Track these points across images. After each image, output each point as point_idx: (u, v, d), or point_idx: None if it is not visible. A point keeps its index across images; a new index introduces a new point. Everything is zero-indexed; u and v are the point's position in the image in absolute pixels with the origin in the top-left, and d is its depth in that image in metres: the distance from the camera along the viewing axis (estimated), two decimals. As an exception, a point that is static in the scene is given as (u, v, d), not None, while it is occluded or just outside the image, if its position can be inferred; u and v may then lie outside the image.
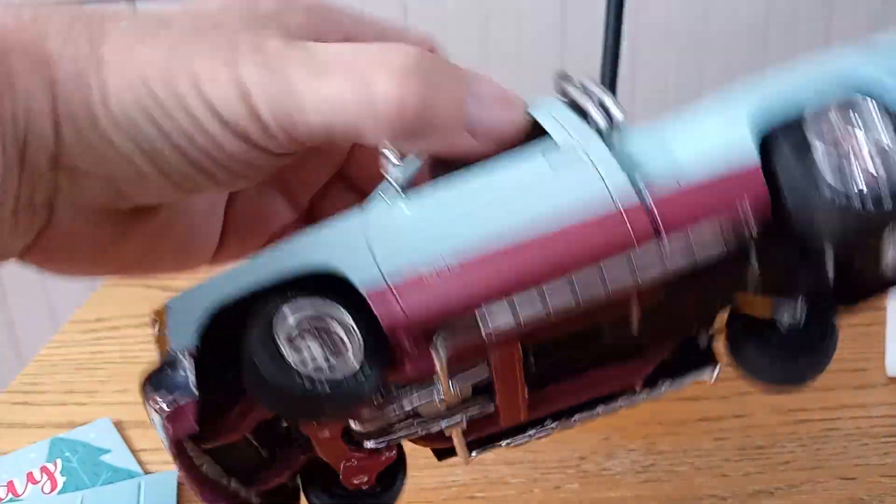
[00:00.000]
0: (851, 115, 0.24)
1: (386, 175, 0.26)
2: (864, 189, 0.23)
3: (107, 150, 0.26)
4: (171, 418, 0.24)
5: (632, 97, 1.45)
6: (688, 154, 0.25)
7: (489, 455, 0.42)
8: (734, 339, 0.31)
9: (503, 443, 0.30)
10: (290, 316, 0.24)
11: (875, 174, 0.24)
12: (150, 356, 0.55)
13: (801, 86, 0.26)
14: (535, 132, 0.27)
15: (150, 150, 0.26)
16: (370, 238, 0.25)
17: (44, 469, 0.42)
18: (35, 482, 0.42)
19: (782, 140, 0.25)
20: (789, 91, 0.26)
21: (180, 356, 0.25)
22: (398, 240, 0.25)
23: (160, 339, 0.26)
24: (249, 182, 0.33)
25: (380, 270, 0.24)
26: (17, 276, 1.41)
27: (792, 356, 0.30)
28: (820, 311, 0.29)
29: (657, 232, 0.25)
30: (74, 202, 0.27)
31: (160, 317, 0.26)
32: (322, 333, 0.24)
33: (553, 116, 0.27)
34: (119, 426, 0.46)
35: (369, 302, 0.24)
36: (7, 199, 0.25)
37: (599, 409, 0.30)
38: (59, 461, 0.43)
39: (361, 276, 0.24)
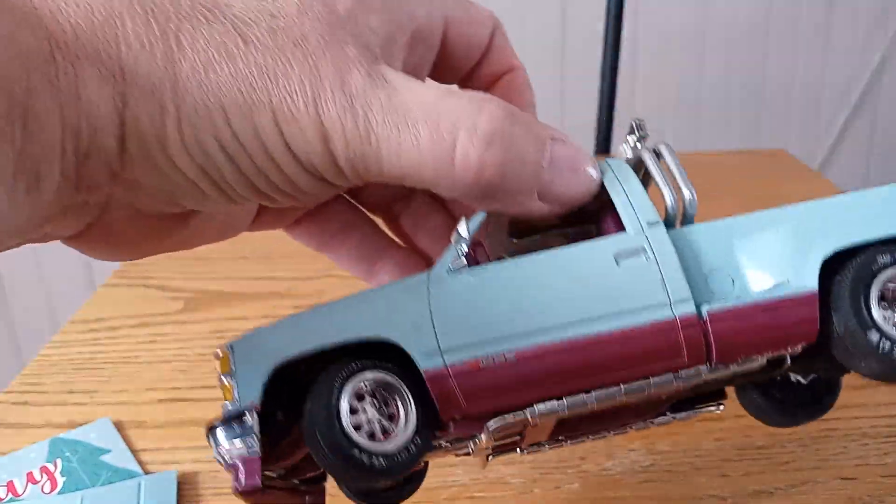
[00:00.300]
0: None
1: (454, 244, 0.27)
2: None
3: (171, 171, 0.25)
4: (239, 473, 0.25)
5: (632, 97, 1.45)
6: (752, 272, 0.26)
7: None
8: (743, 386, 0.32)
9: (518, 450, 0.31)
10: (351, 386, 0.25)
11: None
12: (149, 356, 0.56)
13: (877, 222, 0.27)
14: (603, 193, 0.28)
15: (217, 177, 0.25)
16: (434, 317, 0.25)
17: (44, 469, 0.42)
18: (35, 482, 0.42)
19: (844, 278, 0.26)
20: (863, 227, 0.26)
21: (248, 414, 0.25)
22: (461, 323, 0.25)
23: (226, 387, 0.26)
24: (308, 204, 0.32)
25: (441, 354, 0.25)
26: (17, 277, 1.41)
27: (793, 409, 0.32)
28: (829, 377, 0.31)
29: (708, 352, 0.26)
30: (127, 206, 0.27)
31: (225, 359, 0.26)
32: (381, 402, 0.26)
33: (624, 192, 0.27)
34: (119, 426, 0.46)
35: (427, 384, 0.25)
36: (59, 203, 0.24)
37: (610, 432, 0.30)
38: (59, 461, 0.43)
39: (423, 356, 0.25)
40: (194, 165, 0.25)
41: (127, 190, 0.26)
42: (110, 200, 0.26)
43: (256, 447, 0.25)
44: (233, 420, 0.25)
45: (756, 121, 1.49)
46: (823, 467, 0.40)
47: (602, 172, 0.28)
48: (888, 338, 0.25)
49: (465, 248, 0.27)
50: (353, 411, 0.25)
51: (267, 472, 0.28)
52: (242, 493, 0.25)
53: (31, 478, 0.42)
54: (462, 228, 0.27)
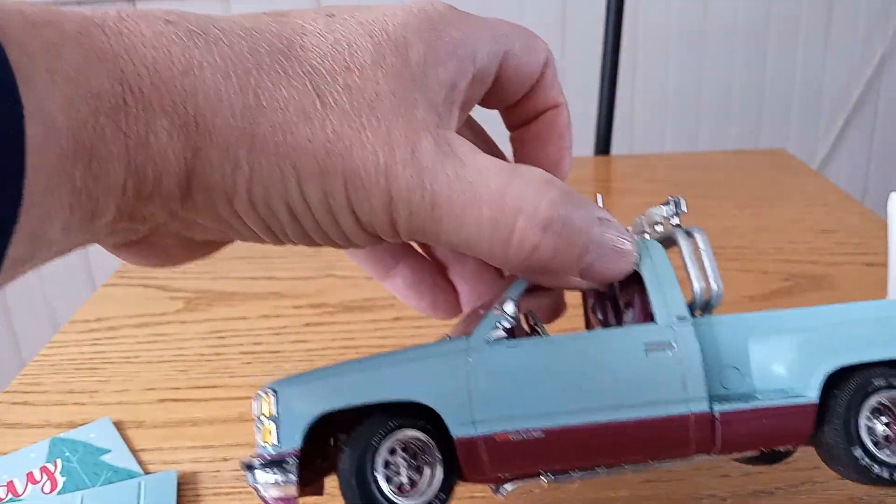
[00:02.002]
0: None
1: (496, 317, 0.28)
2: (889, 462, 0.28)
3: (233, 221, 0.25)
4: None
5: (632, 97, 1.45)
6: (763, 374, 0.29)
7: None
8: None
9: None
10: (388, 444, 0.27)
11: (893, 443, 0.29)
12: (149, 356, 0.56)
13: (879, 344, 0.29)
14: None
15: (278, 231, 0.26)
16: (470, 388, 0.27)
17: (44, 469, 0.42)
18: (35, 482, 0.42)
19: (841, 395, 0.29)
20: (866, 348, 0.29)
21: (289, 459, 0.27)
22: (495, 397, 0.27)
23: (265, 429, 0.28)
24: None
25: (473, 424, 0.27)
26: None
27: (752, 462, 0.37)
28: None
29: (714, 444, 0.28)
30: (178, 235, 0.27)
31: (268, 402, 0.28)
32: (409, 454, 0.27)
33: (658, 280, 0.29)
34: (119, 426, 0.46)
35: (457, 449, 0.27)
36: (111, 230, 0.24)
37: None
38: (59, 461, 0.43)
39: (457, 425, 0.27)
40: (259, 221, 0.25)
41: (182, 225, 0.26)
42: (160, 227, 0.26)
43: (294, 491, 0.27)
44: (274, 464, 0.27)
45: (756, 121, 1.49)
46: (823, 467, 0.40)
47: (640, 256, 0.30)
48: (869, 455, 0.28)
49: (506, 325, 0.28)
50: (385, 464, 0.27)
51: None
52: None
53: (31, 478, 0.42)
54: (509, 306, 0.29)
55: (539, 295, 0.34)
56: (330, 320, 0.57)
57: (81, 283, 1.40)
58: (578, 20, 1.40)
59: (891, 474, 0.28)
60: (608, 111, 1.01)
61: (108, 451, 0.44)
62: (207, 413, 0.47)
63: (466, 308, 0.35)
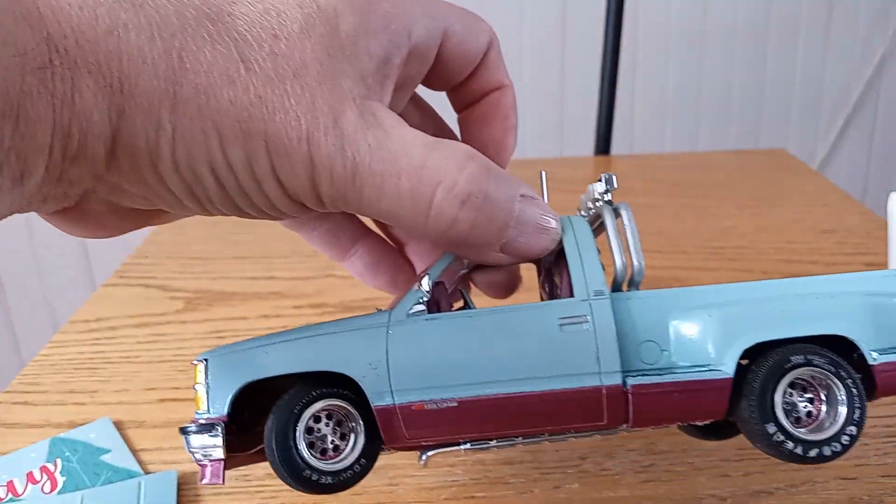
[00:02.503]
0: (824, 375, 0.29)
1: (416, 292, 0.29)
2: (802, 438, 0.28)
3: (157, 185, 0.25)
4: (205, 471, 0.29)
5: (632, 97, 1.45)
6: (680, 348, 0.29)
7: (489, 455, 0.42)
8: None
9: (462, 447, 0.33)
10: (310, 412, 0.28)
11: (813, 421, 0.29)
12: (149, 356, 0.56)
13: (798, 321, 0.30)
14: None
15: (202, 195, 0.26)
16: (390, 359, 0.28)
17: (44, 469, 0.42)
18: (35, 482, 0.42)
19: (758, 371, 0.29)
20: (784, 325, 0.29)
21: (217, 425, 0.29)
22: (413, 368, 0.28)
23: (198, 396, 0.29)
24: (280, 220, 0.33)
25: (392, 394, 0.28)
26: (17, 277, 1.42)
27: (704, 433, 0.37)
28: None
29: (627, 416, 0.29)
30: (107, 201, 0.27)
31: (198, 371, 0.29)
32: (333, 421, 0.29)
33: (579, 256, 0.30)
34: (119, 426, 0.46)
35: (376, 417, 0.28)
36: (41, 194, 0.24)
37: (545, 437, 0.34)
38: (59, 461, 0.43)
39: (375, 395, 0.28)
40: (182, 184, 0.25)
41: (109, 189, 0.26)
42: (90, 194, 0.26)
43: (221, 453, 0.29)
44: (204, 428, 0.29)
45: (756, 121, 1.49)
46: (823, 467, 0.41)
47: (563, 231, 0.30)
48: (783, 432, 0.29)
49: (425, 298, 0.29)
50: (308, 431, 0.28)
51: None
52: (206, 485, 0.29)
53: (31, 478, 0.42)
54: (426, 283, 0.29)
55: (493, 270, 0.34)
56: (329, 320, 0.57)
57: (81, 283, 1.40)
58: (578, 20, 1.40)
59: (805, 451, 0.28)
60: (608, 111, 1.01)
61: (108, 451, 0.44)
62: (207, 413, 0.47)
63: None
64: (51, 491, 0.41)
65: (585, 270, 0.30)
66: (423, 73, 0.31)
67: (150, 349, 0.55)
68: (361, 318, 0.30)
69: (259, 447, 0.31)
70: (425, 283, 0.29)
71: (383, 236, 0.37)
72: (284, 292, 0.62)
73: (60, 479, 0.42)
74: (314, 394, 0.28)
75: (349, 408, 0.29)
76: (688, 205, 0.76)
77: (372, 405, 0.28)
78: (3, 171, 0.22)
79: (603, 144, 1.03)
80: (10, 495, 0.41)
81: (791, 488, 0.39)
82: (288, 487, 0.31)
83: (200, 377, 0.29)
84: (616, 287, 0.31)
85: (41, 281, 1.43)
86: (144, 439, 0.45)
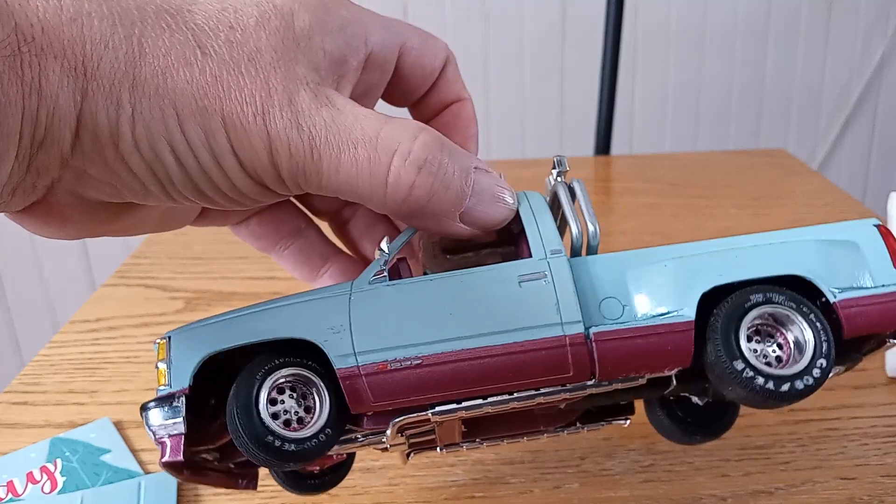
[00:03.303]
0: (786, 313, 0.29)
1: (377, 258, 0.30)
2: (772, 373, 0.28)
3: (120, 168, 0.26)
4: (165, 449, 0.29)
5: (632, 97, 1.45)
6: (640, 300, 0.30)
7: (489, 455, 0.42)
8: (649, 402, 0.36)
9: (438, 449, 0.33)
10: (272, 380, 0.28)
11: (783, 363, 0.29)
12: (149, 356, 0.56)
13: (754, 264, 0.30)
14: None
15: (163, 176, 0.27)
16: (353, 322, 0.28)
17: (44, 469, 0.42)
18: (35, 482, 0.42)
19: (720, 312, 0.29)
20: (741, 268, 0.30)
21: (177, 398, 0.28)
22: (375, 329, 0.28)
23: (160, 372, 0.29)
24: (248, 209, 0.33)
25: (355, 356, 0.28)
26: (17, 277, 1.42)
27: (693, 427, 0.36)
28: (720, 400, 0.34)
29: (592, 369, 0.29)
30: (73, 192, 0.28)
31: (162, 347, 0.29)
32: (298, 394, 0.29)
33: (535, 222, 0.31)
34: (119, 426, 0.46)
35: (340, 382, 0.28)
36: (10, 184, 0.25)
37: (525, 437, 0.34)
38: (59, 461, 0.43)
39: (339, 358, 0.28)
40: (143, 163, 0.26)
41: (74, 178, 0.27)
42: (56, 184, 0.27)
43: (182, 427, 0.28)
44: (164, 402, 0.28)
45: (756, 121, 1.49)
46: (823, 467, 0.41)
47: (519, 202, 0.31)
48: (752, 367, 0.28)
49: (385, 262, 0.30)
50: (273, 402, 0.28)
51: (203, 455, 0.32)
52: (166, 466, 0.29)
53: (31, 478, 0.42)
54: (384, 245, 0.30)
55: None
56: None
57: (81, 283, 1.40)
58: (578, 20, 1.40)
59: (777, 385, 0.28)
60: (608, 111, 1.01)
61: (108, 451, 0.44)
62: (207, 413, 0.47)
63: None
64: (51, 491, 0.41)
65: (541, 232, 0.30)
66: (383, 84, 0.32)
67: (150, 349, 0.55)
68: (325, 289, 0.30)
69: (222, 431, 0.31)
70: (384, 245, 0.30)
71: (352, 255, 0.38)
72: (284, 292, 0.62)
73: (60, 479, 0.42)
74: (277, 361, 0.28)
75: (313, 377, 0.29)
76: (688, 205, 0.76)
77: (335, 368, 0.28)
78: None
79: (603, 144, 1.03)
80: (10, 495, 0.41)
81: (791, 488, 0.39)
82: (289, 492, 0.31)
83: (164, 353, 0.29)
84: (575, 253, 0.31)
85: (41, 281, 1.43)
86: (144, 439, 0.45)
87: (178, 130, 0.26)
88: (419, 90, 0.34)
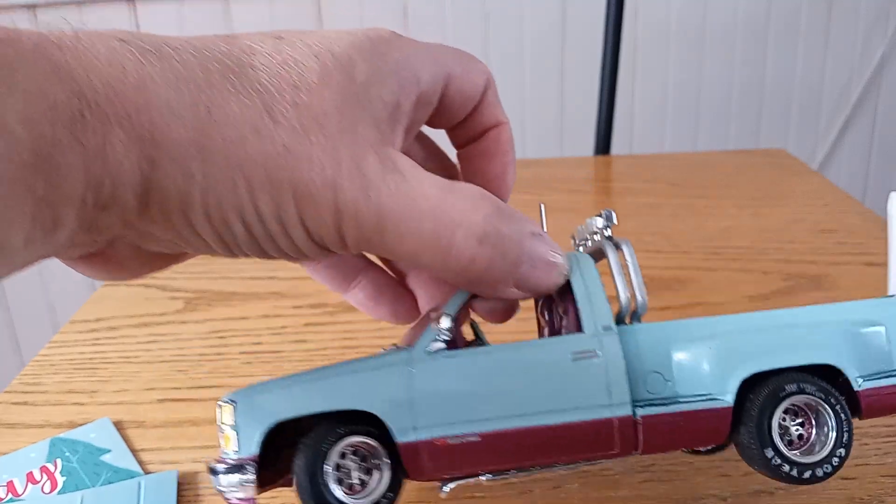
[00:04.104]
0: (815, 402, 0.31)
1: (435, 330, 0.31)
2: (797, 461, 0.31)
3: (187, 232, 0.26)
4: None
5: (632, 97, 1.45)
6: (683, 378, 0.32)
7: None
8: None
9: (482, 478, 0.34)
10: (337, 449, 0.29)
11: (809, 452, 0.31)
12: (149, 356, 0.55)
13: (791, 351, 0.32)
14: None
15: (230, 240, 0.27)
16: (413, 397, 0.30)
17: (44, 469, 0.42)
18: (35, 482, 0.42)
19: (756, 399, 0.31)
20: (779, 355, 0.32)
21: (247, 464, 0.29)
22: (434, 405, 0.30)
23: (226, 436, 0.30)
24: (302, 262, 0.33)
25: (415, 430, 0.29)
26: (18, 277, 1.41)
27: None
28: None
29: (637, 445, 0.31)
30: (133, 246, 0.28)
31: (228, 411, 0.30)
32: (360, 459, 0.30)
33: (587, 292, 0.32)
34: (119, 426, 0.46)
35: (400, 453, 0.29)
36: (70, 242, 0.25)
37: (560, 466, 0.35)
38: (59, 461, 0.43)
39: (399, 431, 0.29)
40: (211, 229, 0.26)
41: (137, 235, 0.26)
42: (117, 240, 0.27)
43: (253, 492, 0.29)
44: (235, 469, 0.29)
45: (756, 121, 1.49)
46: (823, 467, 0.40)
47: (570, 267, 0.32)
48: (780, 455, 0.31)
49: (444, 338, 0.31)
50: (336, 467, 0.29)
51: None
52: None
53: (31, 478, 0.42)
54: (445, 321, 0.31)
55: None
56: (330, 320, 0.57)
57: (81, 283, 1.40)
58: (578, 20, 1.40)
59: (800, 473, 0.31)
60: (608, 111, 1.01)
61: (108, 451, 0.44)
62: (207, 413, 0.47)
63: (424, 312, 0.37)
64: (51, 491, 0.41)
65: (594, 307, 0.31)
66: (427, 116, 0.32)
67: (150, 349, 0.55)
68: (382, 357, 0.31)
69: (283, 478, 0.32)
70: (444, 322, 0.31)
71: (384, 268, 0.38)
72: (284, 292, 0.62)
73: (60, 479, 0.42)
74: (341, 431, 0.29)
75: (374, 444, 0.30)
76: (688, 205, 0.76)
77: (396, 441, 0.29)
78: (35, 222, 0.22)
79: (603, 144, 1.03)
80: (10, 495, 0.41)
81: (791, 488, 0.39)
82: (288, 488, 0.31)
83: (228, 418, 0.30)
84: (619, 319, 0.32)
85: (41, 281, 1.43)
86: (144, 439, 0.45)
87: (249, 201, 0.25)
88: (459, 116, 0.33)
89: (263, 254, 0.28)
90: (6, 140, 0.21)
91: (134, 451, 0.44)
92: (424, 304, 0.37)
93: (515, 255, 0.29)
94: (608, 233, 0.34)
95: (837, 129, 1.50)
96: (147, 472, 0.42)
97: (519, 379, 0.30)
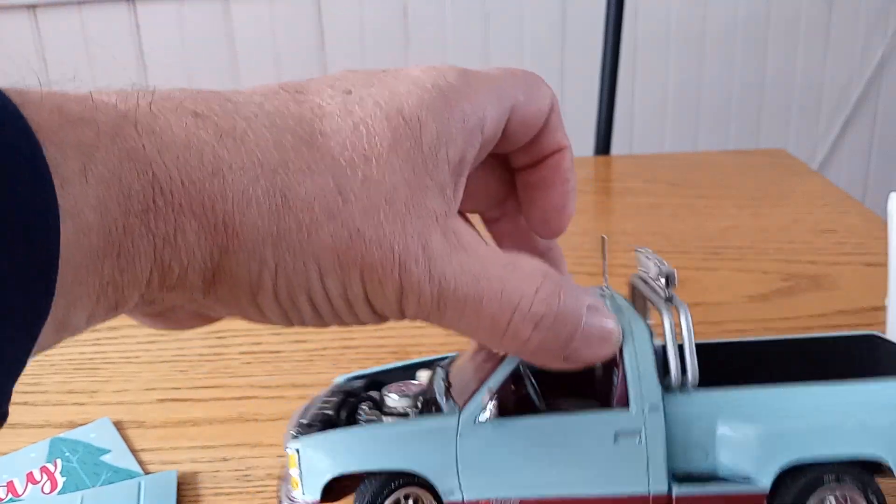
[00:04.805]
0: (852, 492, 0.31)
1: (482, 400, 0.32)
2: None
3: (253, 311, 0.26)
4: None
5: (632, 97, 1.45)
6: (723, 456, 0.32)
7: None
8: None
9: None
10: (391, 500, 0.32)
11: None
12: (149, 356, 0.55)
13: (834, 442, 0.32)
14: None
15: (295, 318, 0.27)
16: (459, 461, 0.32)
17: (44, 469, 0.42)
18: (35, 482, 0.42)
19: (792, 486, 0.31)
20: (823, 447, 0.31)
21: None
22: (479, 469, 0.32)
23: (294, 479, 0.33)
24: None
25: (461, 491, 0.32)
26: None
27: None
28: None
29: None
30: (191, 311, 0.28)
31: (293, 460, 0.33)
32: (412, 501, 0.32)
33: (637, 369, 0.32)
34: (119, 426, 0.46)
35: None
36: (129, 314, 0.25)
37: None
38: (59, 461, 0.43)
39: (446, 492, 0.32)
40: (279, 309, 0.26)
41: (198, 307, 0.27)
42: (179, 308, 0.27)
43: None
44: None
45: (756, 121, 1.49)
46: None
47: (624, 338, 0.32)
48: None
49: (491, 409, 0.32)
50: None
51: None
52: None
53: (31, 478, 0.42)
54: (487, 401, 0.32)
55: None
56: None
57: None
58: (578, 20, 1.40)
59: None
60: (608, 111, 1.01)
61: (108, 451, 0.44)
62: (207, 413, 0.47)
63: None
64: (51, 491, 0.41)
65: (642, 383, 0.32)
66: (488, 152, 0.31)
67: (150, 349, 0.55)
68: (433, 420, 0.33)
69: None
70: (486, 400, 0.32)
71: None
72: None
73: (60, 480, 0.42)
74: (395, 484, 0.32)
75: (423, 494, 0.32)
76: (688, 205, 0.76)
77: (443, 500, 0.32)
78: (99, 302, 0.23)
79: (603, 144, 1.03)
80: (9, 495, 0.41)
81: None
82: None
83: (294, 465, 0.33)
84: (666, 385, 0.32)
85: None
86: (144, 439, 0.45)
87: (318, 284, 0.26)
88: (520, 142, 0.32)
89: (324, 324, 0.28)
90: (77, 226, 0.21)
91: (134, 452, 0.44)
92: None
93: (569, 334, 0.29)
94: (669, 293, 0.34)
95: (837, 129, 1.50)
96: (147, 472, 0.42)
97: (561, 451, 0.32)
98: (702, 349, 0.33)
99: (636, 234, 0.69)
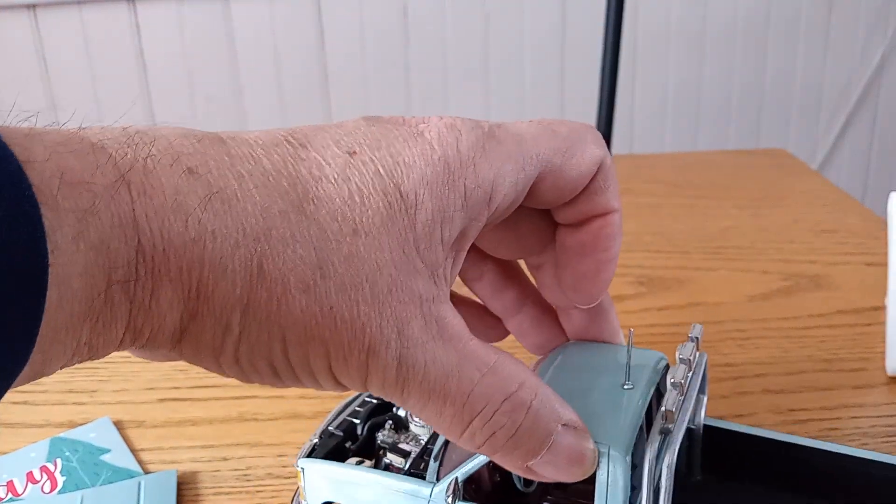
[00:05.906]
0: None
1: (448, 494, 0.31)
2: None
3: (214, 368, 0.26)
4: None
5: (632, 97, 1.45)
6: None
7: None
8: None
9: None
10: None
11: None
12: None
13: None
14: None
15: (254, 379, 0.27)
16: None
17: (44, 469, 0.42)
18: (35, 482, 0.42)
19: None
20: None
21: None
22: None
23: (300, 487, 0.35)
24: None
25: None
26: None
27: None
28: None
29: None
30: (167, 356, 0.28)
31: (299, 475, 0.35)
32: None
33: (605, 499, 0.29)
34: (119, 426, 0.46)
35: None
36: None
37: None
38: (59, 461, 0.43)
39: None
40: (240, 371, 0.26)
41: (166, 357, 0.27)
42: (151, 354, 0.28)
43: None
44: None
45: (756, 121, 1.49)
46: (823, 467, 0.40)
47: (598, 465, 0.29)
48: None
49: (454, 491, 0.31)
50: None
51: None
52: None
53: (31, 478, 0.42)
54: (451, 484, 0.31)
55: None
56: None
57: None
58: (578, 20, 1.40)
59: None
60: (608, 111, 1.01)
61: (108, 451, 0.44)
62: (207, 413, 0.47)
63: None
64: (51, 491, 0.41)
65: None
66: (503, 217, 0.30)
67: (150, 349, 0.55)
68: (411, 483, 0.32)
69: None
70: (451, 489, 0.31)
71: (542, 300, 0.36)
72: (284, 292, 0.62)
73: (60, 479, 0.42)
74: None
75: None
76: (688, 205, 0.76)
77: None
78: (74, 356, 0.23)
79: (603, 144, 1.03)
80: (9, 495, 0.41)
81: None
82: (288, 488, 0.32)
83: (301, 478, 0.35)
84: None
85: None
86: (144, 439, 0.45)
87: (281, 354, 0.25)
88: (555, 204, 0.30)
89: (284, 386, 0.28)
90: (62, 294, 0.21)
91: (134, 451, 0.44)
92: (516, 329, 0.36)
93: (531, 450, 0.28)
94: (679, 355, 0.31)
95: (837, 129, 1.50)
96: (147, 472, 0.42)
97: None
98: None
99: (636, 234, 0.69)
